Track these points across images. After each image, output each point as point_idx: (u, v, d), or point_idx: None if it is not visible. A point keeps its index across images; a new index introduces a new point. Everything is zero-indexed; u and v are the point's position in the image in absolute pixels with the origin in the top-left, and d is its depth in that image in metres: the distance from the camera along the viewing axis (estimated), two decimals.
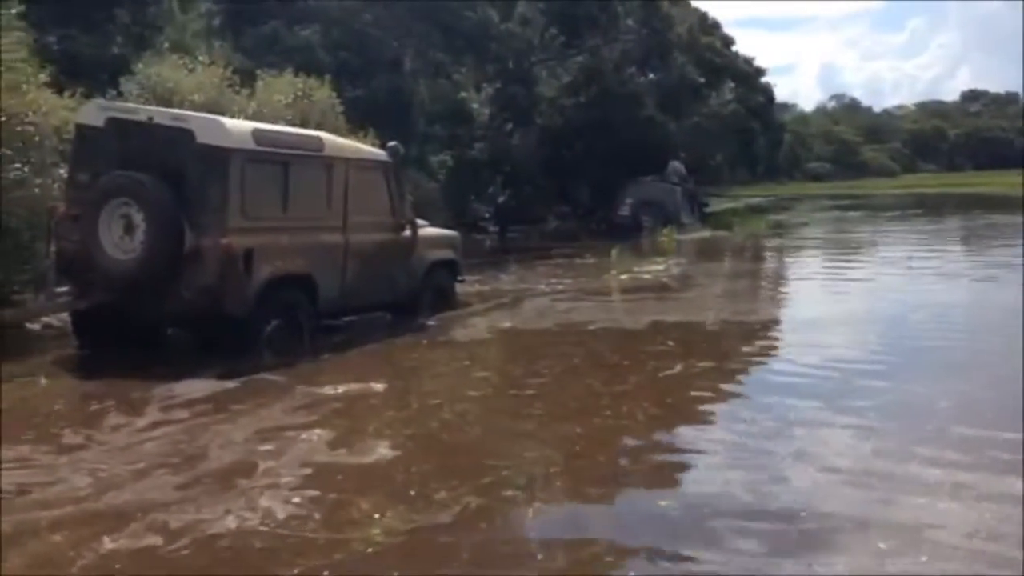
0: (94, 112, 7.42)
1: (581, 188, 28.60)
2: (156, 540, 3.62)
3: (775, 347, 8.46)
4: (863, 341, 8.39)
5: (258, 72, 13.99)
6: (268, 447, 4.83)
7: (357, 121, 13.92)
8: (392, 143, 9.12)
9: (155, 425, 5.28)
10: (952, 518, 3.89)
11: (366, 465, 4.60)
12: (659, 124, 28.40)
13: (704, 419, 5.72)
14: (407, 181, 10.00)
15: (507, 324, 9.30)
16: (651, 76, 30.47)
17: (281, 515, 3.85)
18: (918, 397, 6.09)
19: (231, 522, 3.78)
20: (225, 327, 6.83)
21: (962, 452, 4.72)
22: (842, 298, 11.60)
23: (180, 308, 6.85)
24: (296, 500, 4.02)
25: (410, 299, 8.82)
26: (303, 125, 11.23)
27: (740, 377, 7.11)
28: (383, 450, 4.83)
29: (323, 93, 13.71)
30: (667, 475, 4.67)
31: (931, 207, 35.55)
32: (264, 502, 3.99)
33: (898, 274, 13.48)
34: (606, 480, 4.62)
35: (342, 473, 4.51)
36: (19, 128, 8.17)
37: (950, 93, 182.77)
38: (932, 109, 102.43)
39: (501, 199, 24.55)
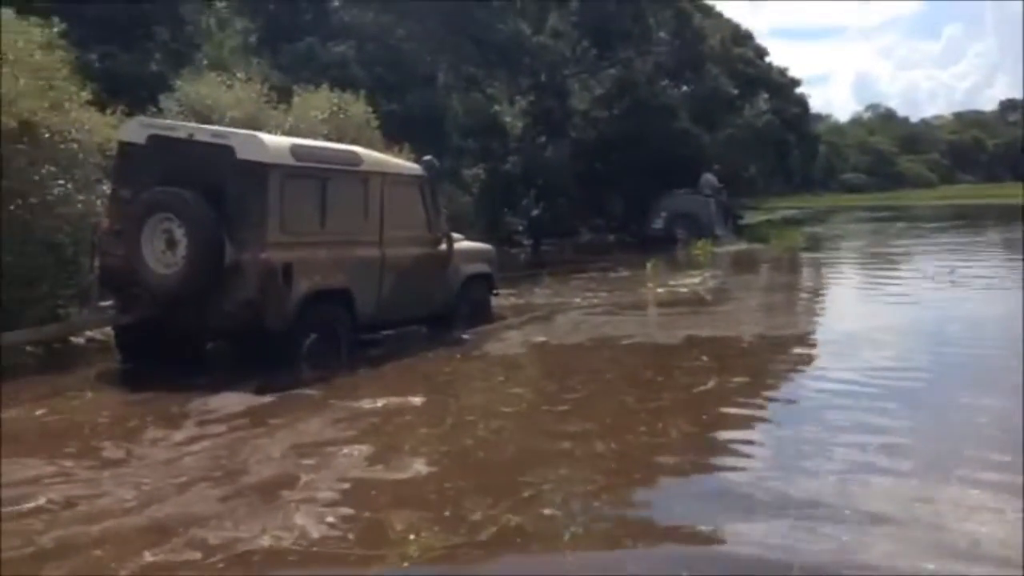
0: (136, 129, 7.54)
1: (615, 201, 28.57)
2: (195, 555, 3.64)
3: (812, 361, 8.36)
4: (902, 355, 8.27)
5: (294, 88, 14.14)
6: (306, 462, 4.85)
7: (392, 135, 14.02)
8: (427, 157, 9.18)
9: (195, 439, 5.33)
10: (979, 517, 3.98)
11: (403, 481, 4.60)
12: (692, 136, 28.32)
13: (740, 436, 5.63)
14: (442, 195, 10.04)
15: (542, 338, 9.27)
16: (684, 88, 30.43)
17: (316, 533, 3.86)
18: (957, 409, 6.07)
19: (267, 540, 3.79)
20: (264, 341, 6.90)
21: (998, 455, 4.85)
22: (881, 311, 11.43)
23: (221, 322, 6.94)
24: (332, 519, 4.02)
25: (446, 313, 8.85)
26: (339, 140, 11.32)
27: (777, 392, 7.04)
28: (420, 466, 4.83)
29: (358, 108, 13.82)
30: (704, 492, 4.61)
31: (972, 218, 34.99)
32: (300, 519, 4.00)
33: (939, 287, 13.25)
34: (642, 497, 4.57)
35: (378, 489, 4.51)
36: (63, 146, 8.33)
37: (988, 102, 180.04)
38: (970, 119, 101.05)
39: (535, 212, 24.55)
